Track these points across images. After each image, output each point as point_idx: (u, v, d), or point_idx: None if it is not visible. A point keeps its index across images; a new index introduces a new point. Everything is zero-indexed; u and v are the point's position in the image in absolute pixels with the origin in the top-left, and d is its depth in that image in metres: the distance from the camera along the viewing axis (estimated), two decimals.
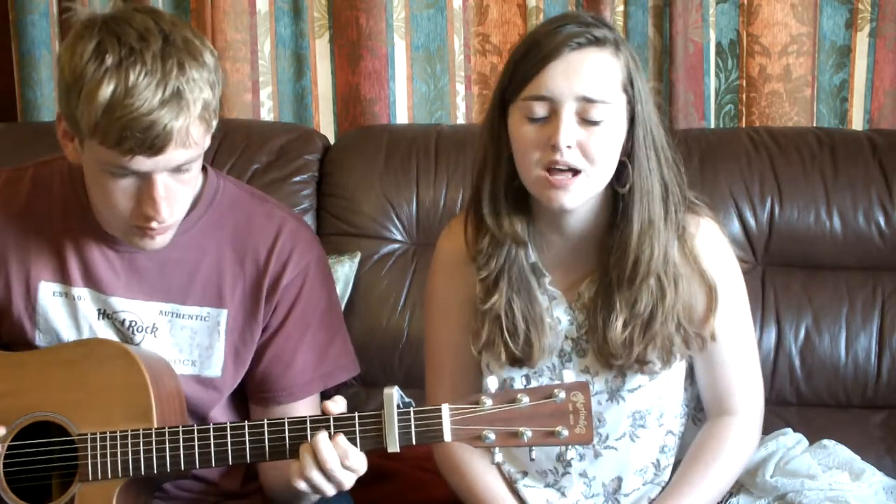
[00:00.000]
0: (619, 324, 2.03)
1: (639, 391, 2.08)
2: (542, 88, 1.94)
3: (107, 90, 1.84)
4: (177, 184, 1.94)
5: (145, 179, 1.91)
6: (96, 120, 1.85)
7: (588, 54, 1.95)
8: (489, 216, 2.04)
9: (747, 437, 2.15)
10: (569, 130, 1.93)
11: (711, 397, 2.15)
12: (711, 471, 2.11)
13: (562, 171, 1.95)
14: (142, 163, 1.88)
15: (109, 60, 1.85)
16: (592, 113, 1.94)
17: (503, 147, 2.01)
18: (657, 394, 2.10)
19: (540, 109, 1.95)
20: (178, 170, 1.92)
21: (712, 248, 2.09)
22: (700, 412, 2.19)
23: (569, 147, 1.94)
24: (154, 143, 1.85)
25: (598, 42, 1.96)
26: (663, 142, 2.03)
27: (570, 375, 1.88)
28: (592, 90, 1.94)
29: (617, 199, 2.03)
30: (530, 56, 1.96)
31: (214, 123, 1.95)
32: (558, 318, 2.09)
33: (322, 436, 1.87)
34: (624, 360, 2.05)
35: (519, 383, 2.03)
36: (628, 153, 2.00)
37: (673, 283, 2.04)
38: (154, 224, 1.96)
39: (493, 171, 2.04)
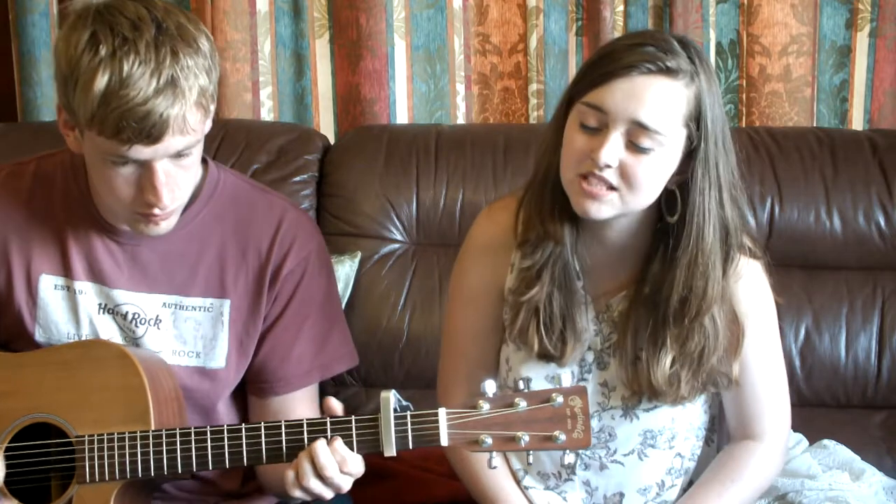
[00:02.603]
0: (668, 361, 2.02)
1: (654, 411, 2.08)
2: (600, 100, 1.91)
3: (101, 81, 1.85)
4: (177, 169, 1.95)
5: (145, 167, 1.92)
6: (93, 111, 1.87)
7: (655, 81, 1.91)
8: (537, 212, 2.03)
9: (769, 464, 2.14)
10: (613, 150, 1.91)
11: (737, 422, 2.14)
12: (728, 492, 2.10)
13: (597, 181, 1.93)
14: (140, 151, 1.89)
15: (103, 51, 1.86)
16: (643, 139, 1.91)
17: (562, 142, 1.99)
18: (671, 416, 2.09)
19: (593, 120, 1.92)
20: (177, 155, 1.93)
21: (753, 290, 2.07)
22: (713, 433, 2.18)
23: (609, 166, 1.91)
24: (151, 131, 1.86)
25: (669, 72, 1.91)
26: (730, 180, 1.99)
27: (567, 379, 1.87)
28: (648, 118, 1.90)
29: (664, 220, 2.00)
30: (601, 65, 1.93)
31: (213, 108, 1.95)
32: (584, 325, 2.09)
33: (321, 443, 1.87)
34: (672, 397, 2.04)
35: (541, 384, 2.00)
36: (680, 184, 1.97)
37: (723, 321, 2.03)
38: (157, 210, 1.96)
39: (549, 166, 2.01)
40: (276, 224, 2.13)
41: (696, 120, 1.94)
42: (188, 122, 1.89)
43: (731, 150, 2.00)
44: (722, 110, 1.98)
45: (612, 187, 1.93)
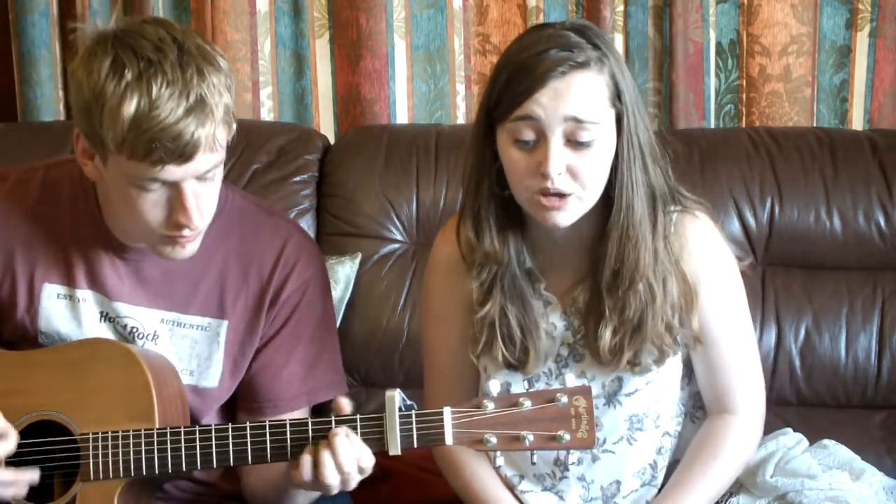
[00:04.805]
0: (609, 331, 2.03)
1: (635, 395, 2.08)
2: (529, 112, 1.92)
3: (131, 105, 1.85)
4: (203, 189, 1.94)
5: (174, 189, 1.92)
6: (123, 135, 1.86)
7: (572, 79, 1.92)
8: (472, 233, 2.05)
9: (748, 436, 2.15)
10: (558, 157, 1.92)
11: (712, 396, 2.14)
12: (712, 469, 2.11)
13: (552, 194, 1.95)
14: (171, 172, 1.89)
15: (129, 75, 1.85)
16: (582, 135, 1.93)
17: (489, 163, 2.00)
18: (654, 397, 2.09)
19: (528, 132, 1.93)
20: (203, 175, 1.93)
21: (701, 246, 2.07)
22: (698, 411, 2.19)
23: (559, 174, 1.93)
24: (184, 151, 1.86)
25: (581, 66, 1.93)
26: (650, 143, 2.02)
27: (572, 380, 1.87)
28: (581, 112, 1.92)
29: (609, 203, 2.02)
30: (515, 83, 1.94)
31: (234, 126, 1.96)
32: (554, 323, 2.09)
33: (342, 437, 1.86)
34: (614, 366, 2.05)
35: (519, 387, 2.03)
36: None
37: (662, 285, 2.03)
38: (186, 231, 1.96)
39: (477, 186, 2.03)
40: (280, 247, 2.13)
41: (618, 97, 1.97)
42: (217, 140, 1.90)
43: (644, 112, 2.03)
44: (631, 77, 2.01)
45: (565, 195, 1.95)
